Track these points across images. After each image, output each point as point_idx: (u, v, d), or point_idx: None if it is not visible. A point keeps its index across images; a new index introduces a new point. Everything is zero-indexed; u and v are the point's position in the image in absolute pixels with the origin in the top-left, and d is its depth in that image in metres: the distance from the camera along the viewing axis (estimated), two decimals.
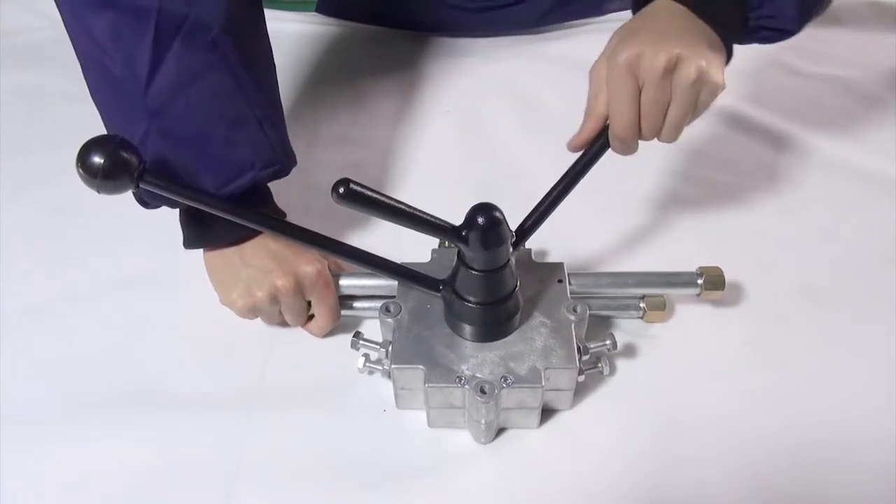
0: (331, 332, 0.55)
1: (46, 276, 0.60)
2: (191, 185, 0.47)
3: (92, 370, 0.52)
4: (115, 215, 0.64)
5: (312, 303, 0.53)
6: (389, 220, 0.41)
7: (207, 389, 0.51)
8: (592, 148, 0.49)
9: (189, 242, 0.53)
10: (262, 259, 0.51)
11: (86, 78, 0.50)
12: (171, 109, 0.47)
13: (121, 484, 0.46)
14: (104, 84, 0.48)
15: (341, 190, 0.38)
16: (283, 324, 0.54)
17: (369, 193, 0.39)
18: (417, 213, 0.41)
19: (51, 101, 0.79)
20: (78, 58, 0.49)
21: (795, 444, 0.47)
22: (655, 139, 0.49)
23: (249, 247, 0.52)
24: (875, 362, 0.52)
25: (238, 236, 0.52)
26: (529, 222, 0.50)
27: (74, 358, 0.53)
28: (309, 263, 0.52)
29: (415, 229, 0.42)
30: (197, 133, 0.48)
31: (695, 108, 0.47)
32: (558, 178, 0.51)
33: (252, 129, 0.50)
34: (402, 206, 0.40)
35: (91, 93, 0.50)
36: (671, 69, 0.46)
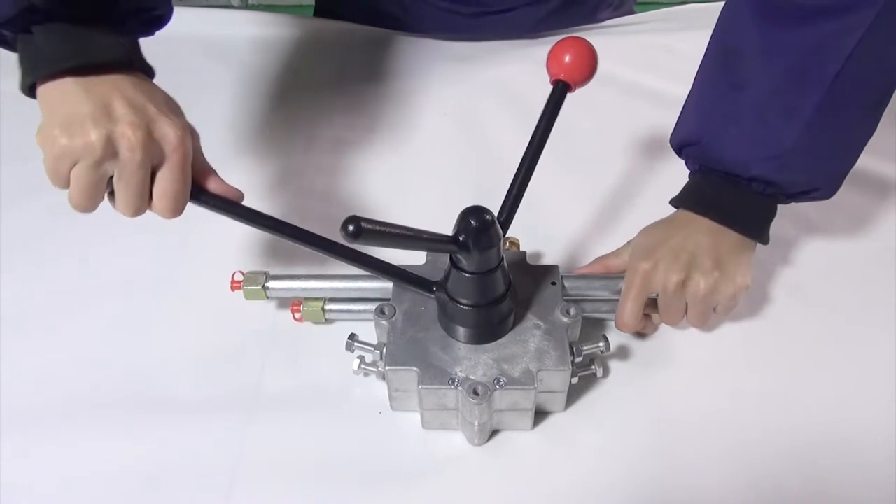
0: (327, 334, 0.55)
1: (46, 280, 0.60)
2: None
3: (91, 373, 0.53)
4: (115, 220, 0.64)
5: (158, 177, 0.42)
6: (397, 247, 0.42)
7: (206, 392, 0.51)
8: (545, 115, 0.50)
9: (27, 72, 0.42)
10: (114, 101, 0.40)
11: None
12: None
13: (119, 486, 0.46)
14: None
15: (351, 228, 0.37)
16: (84, 201, 0.43)
17: (379, 228, 0.39)
18: (420, 234, 0.41)
19: None
20: None
21: (789, 444, 0.48)
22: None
23: (102, 84, 0.41)
24: (866, 362, 0.52)
25: (91, 60, 0.41)
26: (504, 214, 0.49)
27: (73, 361, 0.53)
28: (173, 124, 0.41)
29: (419, 249, 0.43)
30: None
31: (714, 312, 0.52)
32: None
33: None
34: (407, 233, 0.41)
35: None
36: (681, 286, 0.50)
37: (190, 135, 0.43)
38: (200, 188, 0.45)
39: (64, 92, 0.41)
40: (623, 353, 0.53)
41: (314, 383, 0.52)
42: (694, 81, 0.53)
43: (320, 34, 0.87)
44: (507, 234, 0.52)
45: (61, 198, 0.66)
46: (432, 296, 0.48)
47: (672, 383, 0.52)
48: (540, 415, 0.49)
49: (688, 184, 0.54)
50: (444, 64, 0.83)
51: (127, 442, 0.48)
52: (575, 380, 0.48)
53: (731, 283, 0.50)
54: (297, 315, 0.54)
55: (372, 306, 0.50)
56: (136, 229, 0.62)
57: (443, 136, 0.74)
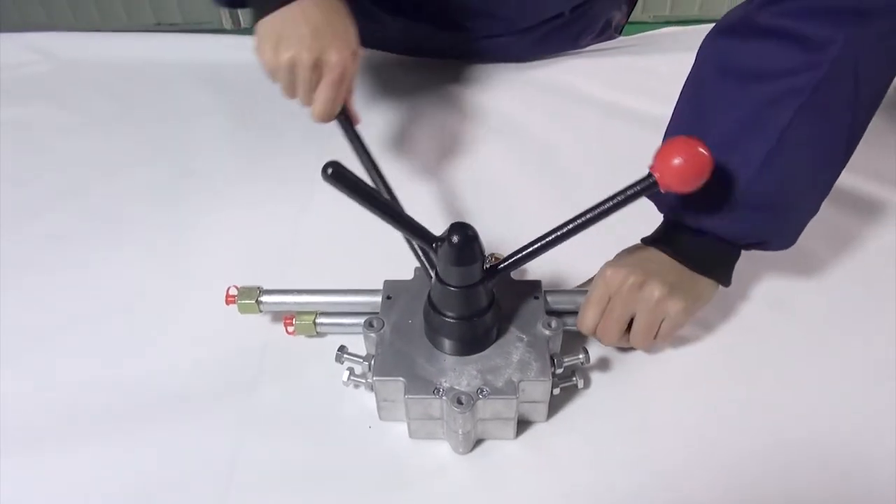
0: (319, 348, 0.56)
1: (45, 299, 0.61)
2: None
3: (87, 388, 0.54)
4: (108, 242, 0.66)
5: (319, 86, 0.59)
6: (371, 210, 0.44)
7: (199, 404, 0.53)
8: (622, 194, 0.48)
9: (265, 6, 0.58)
10: (301, 27, 0.57)
11: None
12: None
13: (115, 494, 0.47)
14: None
15: (329, 171, 0.41)
16: (289, 95, 0.60)
17: (353, 178, 0.42)
18: (398, 209, 0.43)
19: (47, 133, 0.81)
20: None
21: (769, 453, 0.49)
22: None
23: (301, 9, 0.58)
24: (846, 374, 0.54)
25: None
26: (505, 264, 0.49)
27: (71, 377, 0.55)
28: (338, 51, 0.58)
29: (394, 224, 0.44)
30: None
31: (657, 330, 0.53)
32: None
33: None
34: (383, 199, 0.43)
35: None
36: (636, 287, 0.52)
37: (351, 62, 0.59)
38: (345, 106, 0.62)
39: (278, 17, 0.58)
40: (603, 364, 0.55)
41: (306, 395, 0.53)
42: (670, 118, 0.55)
43: None
44: (493, 250, 0.54)
45: (57, 224, 0.68)
46: (432, 248, 0.46)
47: (652, 394, 0.53)
48: (523, 424, 0.51)
49: (661, 223, 0.57)
50: (435, 86, 0.85)
51: (122, 454, 0.50)
52: (556, 390, 0.50)
53: (683, 300, 0.52)
54: (290, 329, 0.56)
55: (361, 320, 0.52)
56: (133, 247, 0.64)
57: (431, 156, 0.76)
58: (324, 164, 0.41)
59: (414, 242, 0.45)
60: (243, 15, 2.26)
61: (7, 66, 0.93)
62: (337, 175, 0.42)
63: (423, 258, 0.55)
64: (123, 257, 0.64)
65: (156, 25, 2.17)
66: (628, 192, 0.47)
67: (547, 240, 0.48)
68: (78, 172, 0.74)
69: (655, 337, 0.53)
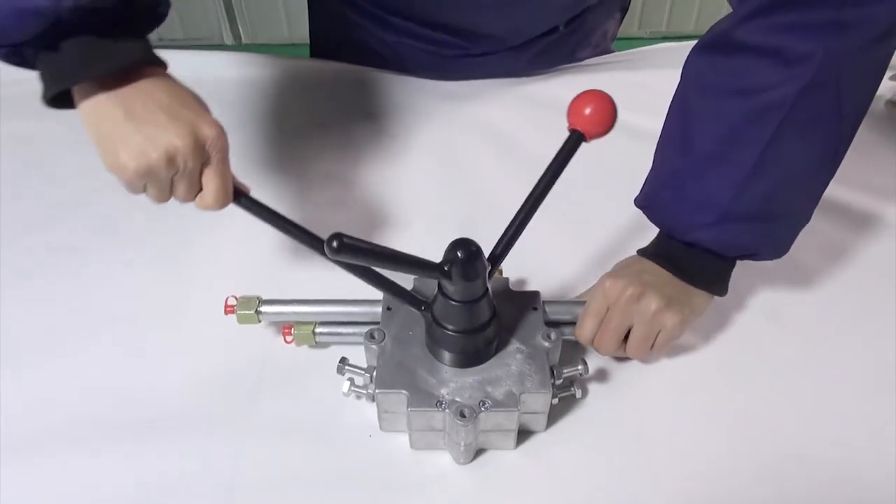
0: (319, 358, 0.57)
1: (46, 310, 0.61)
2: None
3: (89, 398, 0.54)
4: (110, 254, 0.66)
5: (206, 171, 0.48)
6: (381, 267, 0.44)
7: (201, 414, 0.53)
8: (556, 160, 0.51)
9: (54, 83, 0.45)
10: (154, 114, 0.45)
11: None
12: None
13: (115, 503, 0.48)
14: None
15: (335, 244, 0.39)
16: (162, 199, 0.48)
17: (362, 245, 0.40)
18: (404, 256, 0.43)
19: (47, 147, 0.81)
20: None
21: (763, 463, 0.50)
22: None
23: (136, 97, 0.45)
24: (839, 382, 0.55)
25: (125, 62, 0.45)
26: (500, 248, 0.51)
27: (72, 386, 0.55)
28: (209, 124, 0.47)
29: (403, 272, 0.44)
30: None
31: (653, 341, 0.53)
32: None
33: None
34: (391, 252, 0.43)
35: None
36: (634, 299, 0.52)
37: (222, 129, 0.48)
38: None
39: (105, 112, 0.45)
40: (602, 375, 0.56)
41: (306, 405, 0.54)
42: (660, 134, 0.56)
43: (311, 75, 0.90)
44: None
45: (59, 236, 0.68)
46: (420, 312, 0.50)
47: (649, 404, 0.54)
48: (523, 434, 0.51)
49: (655, 236, 0.58)
50: (432, 102, 0.86)
51: (124, 463, 0.50)
52: (556, 401, 0.50)
53: (680, 312, 0.53)
54: (289, 338, 0.56)
55: (361, 329, 0.52)
56: (133, 258, 0.64)
57: (429, 171, 0.77)
58: (327, 238, 0.39)
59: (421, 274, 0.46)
60: (244, 32, 2.27)
61: (9, 82, 0.93)
62: (342, 247, 0.39)
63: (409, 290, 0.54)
64: (124, 268, 0.64)
65: (158, 41, 2.18)
66: (564, 154, 0.50)
67: (517, 223, 0.51)
68: (79, 185, 0.74)
69: (651, 348, 0.54)
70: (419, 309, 0.50)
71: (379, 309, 0.54)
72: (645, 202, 0.57)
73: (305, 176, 0.76)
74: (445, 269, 0.44)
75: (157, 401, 0.54)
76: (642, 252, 0.57)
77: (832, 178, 0.52)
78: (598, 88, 0.49)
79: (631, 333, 0.53)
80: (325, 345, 0.58)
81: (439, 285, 0.47)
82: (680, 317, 0.53)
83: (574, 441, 0.51)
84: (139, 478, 0.49)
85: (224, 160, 0.48)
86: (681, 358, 0.57)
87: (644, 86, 0.86)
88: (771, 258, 0.55)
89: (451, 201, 0.73)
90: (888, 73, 0.88)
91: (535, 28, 0.84)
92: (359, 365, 0.51)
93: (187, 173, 0.47)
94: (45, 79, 0.46)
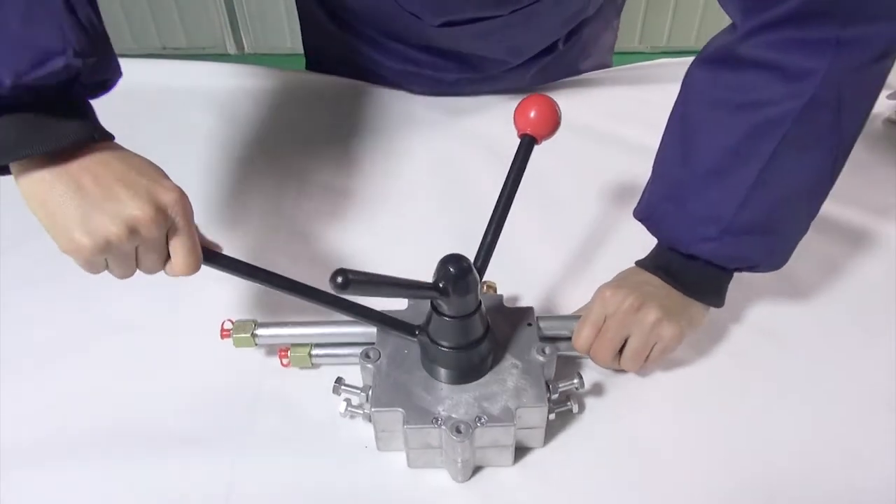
0: (315, 375, 0.57)
1: (45, 321, 0.62)
2: None
3: (86, 412, 0.54)
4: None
5: (172, 238, 0.45)
6: (382, 296, 0.45)
7: (198, 429, 0.53)
8: (514, 166, 0.53)
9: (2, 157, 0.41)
10: (108, 186, 0.42)
11: None
12: None
13: None
14: None
15: (339, 280, 0.39)
16: (127, 275, 0.47)
17: (365, 278, 0.41)
18: (403, 283, 0.44)
19: None
20: None
21: (759, 477, 0.50)
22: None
23: (85, 172, 0.42)
24: (834, 398, 0.55)
25: (67, 142, 0.41)
26: (479, 262, 0.51)
27: (69, 401, 0.55)
28: (169, 189, 0.44)
29: (402, 297, 0.46)
30: None
31: (649, 353, 0.54)
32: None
33: (56, 10, 0.40)
34: (391, 282, 0.43)
35: None
36: (634, 309, 0.53)
37: (183, 193, 0.45)
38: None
39: (52, 191, 0.42)
40: (597, 389, 0.56)
41: (302, 425, 0.54)
42: (658, 147, 0.57)
43: (311, 87, 0.91)
44: (485, 279, 0.55)
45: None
46: (415, 339, 0.51)
47: (645, 418, 0.54)
48: (520, 451, 0.51)
49: (654, 248, 0.58)
50: (430, 116, 0.86)
51: (122, 479, 0.50)
52: (552, 416, 0.50)
53: (677, 324, 0.53)
54: (285, 361, 0.56)
55: (357, 350, 0.52)
56: (130, 278, 0.64)
57: (427, 185, 0.78)
58: (331, 274, 0.39)
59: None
60: (247, 41, 2.28)
61: None
62: (347, 283, 0.39)
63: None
64: (124, 284, 0.64)
65: (161, 49, 2.20)
66: (519, 159, 0.54)
67: (490, 234, 0.52)
68: None
69: (647, 360, 0.54)
70: (413, 335, 0.51)
71: (374, 329, 0.54)
72: (645, 214, 0.58)
73: (303, 187, 0.76)
74: (441, 286, 0.44)
75: (154, 416, 0.54)
76: (641, 264, 0.57)
77: (830, 189, 0.52)
78: (544, 94, 0.54)
79: (627, 344, 0.54)
80: (320, 365, 0.58)
81: (432, 303, 0.47)
82: (678, 328, 0.53)
83: (572, 456, 0.51)
84: (135, 493, 0.49)
85: (188, 224, 0.45)
86: (677, 372, 0.57)
87: (644, 101, 0.87)
88: (770, 270, 0.55)
89: (449, 215, 0.73)
90: (885, 92, 0.89)
91: (534, 47, 0.84)
92: (355, 385, 0.51)
93: (152, 244, 0.44)
94: None
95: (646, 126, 0.80)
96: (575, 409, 0.51)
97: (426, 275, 0.46)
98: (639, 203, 0.59)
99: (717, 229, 0.51)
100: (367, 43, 0.86)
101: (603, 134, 0.82)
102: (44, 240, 0.69)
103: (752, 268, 0.55)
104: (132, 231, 0.42)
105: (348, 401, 0.51)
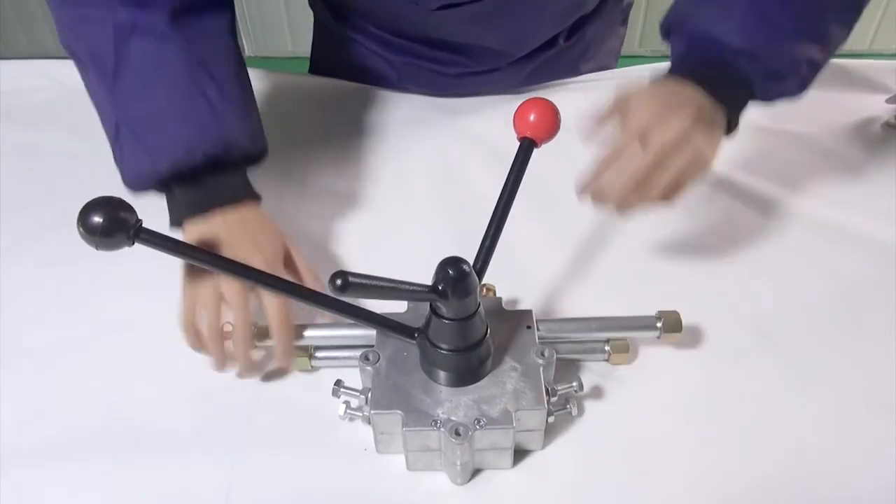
0: (315, 378, 0.57)
1: (44, 323, 0.63)
2: (181, 241, 0.50)
3: (86, 412, 0.55)
4: (112, 265, 0.67)
5: (266, 308, 0.54)
6: (381, 298, 0.46)
7: (197, 432, 0.53)
8: (514, 169, 0.54)
9: (174, 220, 0.58)
10: (242, 239, 0.55)
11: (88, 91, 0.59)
12: (131, 100, 0.56)
13: None
14: (91, 90, 0.58)
15: (339, 282, 0.40)
16: (215, 327, 0.54)
17: (364, 281, 0.42)
18: (403, 286, 0.44)
19: (51, 158, 0.83)
20: (80, 73, 0.59)
21: (759, 480, 0.50)
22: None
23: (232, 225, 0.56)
24: (832, 401, 0.55)
25: (219, 203, 0.56)
26: (479, 264, 0.52)
27: (70, 400, 0.56)
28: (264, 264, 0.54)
29: (402, 299, 0.46)
30: (155, 115, 0.55)
31: (682, 179, 0.54)
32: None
33: (203, 110, 0.55)
34: (390, 285, 0.44)
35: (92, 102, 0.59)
36: (663, 120, 0.53)
37: (277, 261, 0.56)
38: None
39: (209, 235, 0.55)
40: (597, 392, 0.56)
41: (301, 427, 0.54)
42: None
43: (312, 90, 0.91)
44: (485, 281, 0.55)
45: (60, 247, 0.69)
46: (414, 342, 0.51)
47: (644, 421, 0.54)
48: (519, 453, 0.51)
49: (674, 62, 0.60)
50: (431, 118, 0.87)
51: (121, 480, 0.50)
52: (551, 419, 0.50)
53: (709, 153, 0.54)
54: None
55: (356, 353, 0.53)
56: (132, 277, 0.65)
57: (427, 187, 0.78)
58: (331, 276, 0.41)
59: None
60: (248, 45, 2.28)
61: (16, 92, 0.95)
62: (346, 285, 0.41)
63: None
64: (122, 282, 0.65)
65: None
66: (519, 162, 0.54)
67: (490, 236, 0.53)
68: (84, 197, 0.75)
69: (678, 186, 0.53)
70: (412, 338, 0.51)
71: (373, 331, 0.54)
72: (681, 16, 0.59)
73: (304, 190, 0.77)
74: (440, 288, 0.45)
75: (153, 417, 0.54)
76: (668, 72, 0.58)
77: (849, 33, 0.56)
78: (543, 97, 0.54)
79: (658, 171, 0.52)
80: (320, 368, 0.58)
81: (431, 306, 0.48)
82: (715, 142, 0.54)
83: (571, 459, 0.51)
84: (134, 494, 0.50)
85: (282, 322, 0.54)
86: (676, 375, 0.57)
87: None
88: (795, 90, 0.58)
89: (449, 216, 0.73)
90: (884, 96, 0.88)
91: (534, 38, 0.84)
92: (354, 387, 0.52)
93: (241, 339, 0.54)
94: (170, 212, 0.58)
95: None
96: (574, 411, 0.51)
97: (426, 277, 0.46)
98: (669, 12, 0.60)
99: (765, 26, 0.55)
100: (371, 40, 0.86)
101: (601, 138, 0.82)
102: (44, 242, 0.71)
103: (779, 77, 0.57)
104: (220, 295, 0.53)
105: (347, 403, 0.51)
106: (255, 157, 0.61)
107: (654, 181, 0.53)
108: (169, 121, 0.55)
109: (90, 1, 0.55)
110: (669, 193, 0.54)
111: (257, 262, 0.52)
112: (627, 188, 0.53)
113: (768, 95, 0.59)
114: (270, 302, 0.53)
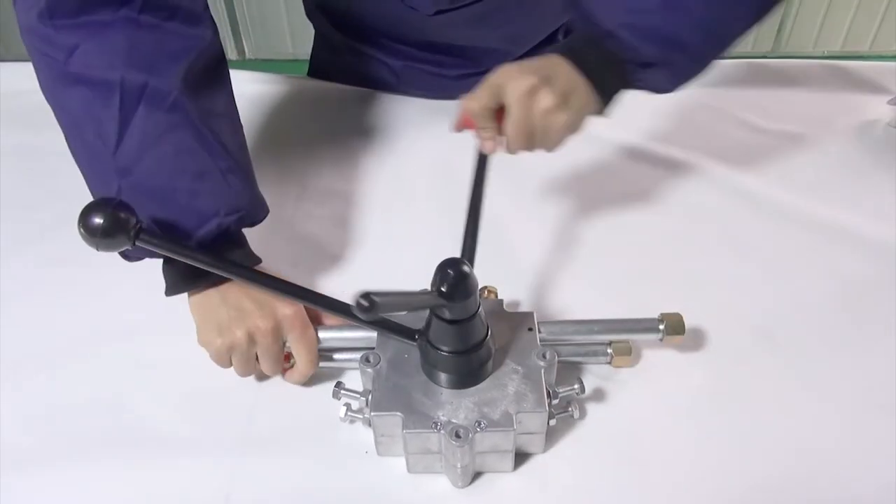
0: (314, 381, 0.57)
1: (45, 325, 0.62)
2: (180, 242, 0.50)
3: (86, 415, 0.55)
4: (111, 267, 0.66)
5: (291, 345, 0.55)
6: (401, 311, 0.47)
7: (197, 434, 0.53)
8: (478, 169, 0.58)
9: (170, 290, 0.56)
10: (241, 300, 0.54)
11: (69, 147, 0.55)
12: (137, 167, 0.52)
13: None
14: (83, 151, 0.55)
15: (366, 304, 0.40)
16: (258, 373, 0.56)
17: (390, 300, 0.42)
18: (416, 296, 0.45)
19: (51, 160, 0.83)
20: (62, 129, 0.55)
21: (760, 482, 0.50)
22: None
23: (231, 288, 0.55)
24: (826, 399, 0.55)
25: (215, 280, 0.54)
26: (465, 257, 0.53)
27: (70, 403, 0.56)
28: (287, 306, 0.54)
29: (418, 309, 0.47)
30: (163, 186, 0.53)
31: (544, 132, 0.56)
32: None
33: (215, 180, 0.54)
34: (410, 297, 0.45)
35: (75, 160, 0.56)
36: (533, 93, 0.55)
37: (299, 309, 0.55)
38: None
39: (207, 300, 0.55)
40: (598, 395, 0.56)
41: (302, 430, 0.54)
42: None
43: (312, 92, 0.91)
44: (486, 283, 0.55)
45: (60, 248, 0.69)
46: (415, 344, 0.51)
47: (646, 423, 0.54)
48: (521, 456, 0.51)
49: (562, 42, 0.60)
50: (431, 121, 0.86)
51: (120, 481, 0.50)
52: (553, 421, 0.50)
53: (573, 116, 0.56)
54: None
55: (357, 355, 0.53)
56: (131, 280, 0.65)
57: (428, 187, 0.78)
58: (356, 299, 0.40)
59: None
60: (248, 47, 2.28)
61: (16, 94, 0.95)
62: (373, 306, 0.40)
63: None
64: (123, 283, 0.65)
65: None
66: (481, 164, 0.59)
67: (469, 236, 0.55)
68: (84, 198, 0.76)
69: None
70: (413, 339, 0.51)
71: (374, 333, 0.54)
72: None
73: (304, 192, 0.76)
74: (442, 290, 0.44)
75: (153, 419, 0.54)
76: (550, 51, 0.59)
77: (747, 30, 0.56)
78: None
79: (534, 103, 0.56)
80: (321, 369, 0.58)
81: (431, 309, 0.47)
82: (580, 108, 0.56)
83: (572, 462, 0.51)
84: (134, 496, 0.49)
85: (303, 336, 0.54)
86: (677, 377, 0.57)
87: (644, 103, 0.86)
88: (665, 85, 0.59)
89: (450, 216, 0.73)
90: (885, 97, 0.88)
91: (533, 35, 0.84)
92: (354, 389, 0.51)
93: (269, 350, 0.54)
94: (167, 279, 0.56)
95: (647, 129, 0.80)
96: (575, 414, 0.51)
97: (426, 277, 0.45)
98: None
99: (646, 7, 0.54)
100: (370, 46, 0.86)
101: (603, 137, 0.82)
102: (44, 245, 0.71)
103: (660, 66, 0.56)
104: (251, 338, 0.53)
105: (348, 405, 0.51)
106: (258, 222, 0.60)
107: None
108: (180, 192, 0.54)
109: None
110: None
111: (288, 310, 0.54)
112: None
113: (636, 83, 0.59)
114: (299, 341, 0.54)
